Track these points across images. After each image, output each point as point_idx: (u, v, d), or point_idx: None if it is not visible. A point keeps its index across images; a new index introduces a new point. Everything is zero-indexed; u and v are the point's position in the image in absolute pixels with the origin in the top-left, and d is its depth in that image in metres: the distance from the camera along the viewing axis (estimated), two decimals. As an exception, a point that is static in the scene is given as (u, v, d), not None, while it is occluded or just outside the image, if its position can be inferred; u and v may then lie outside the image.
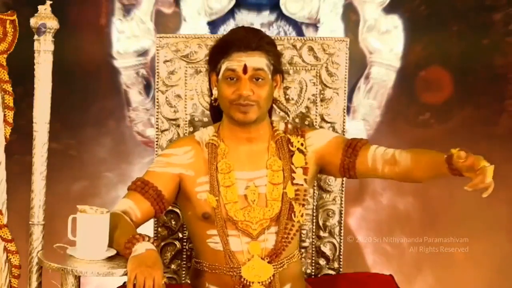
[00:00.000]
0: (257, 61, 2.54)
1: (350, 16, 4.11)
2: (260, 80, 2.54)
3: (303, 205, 2.62)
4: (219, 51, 2.58)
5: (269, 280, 2.57)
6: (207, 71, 2.70)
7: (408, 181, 2.62)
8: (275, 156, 2.63)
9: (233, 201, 2.57)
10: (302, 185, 2.62)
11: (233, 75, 2.54)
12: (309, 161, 2.66)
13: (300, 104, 2.98)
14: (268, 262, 2.57)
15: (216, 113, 2.69)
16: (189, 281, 2.79)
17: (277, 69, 2.61)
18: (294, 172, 2.62)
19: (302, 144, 2.65)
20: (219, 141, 2.62)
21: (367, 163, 2.63)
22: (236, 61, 2.53)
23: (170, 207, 2.81)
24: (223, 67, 2.56)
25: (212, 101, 2.65)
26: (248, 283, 2.55)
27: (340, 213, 3.00)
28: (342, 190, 2.99)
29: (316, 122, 2.97)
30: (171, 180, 2.59)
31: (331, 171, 2.71)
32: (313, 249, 3.01)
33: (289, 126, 2.70)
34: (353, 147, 2.64)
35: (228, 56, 2.54)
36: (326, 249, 3.01)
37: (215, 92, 2.61)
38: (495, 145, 4.14)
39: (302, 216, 2.62)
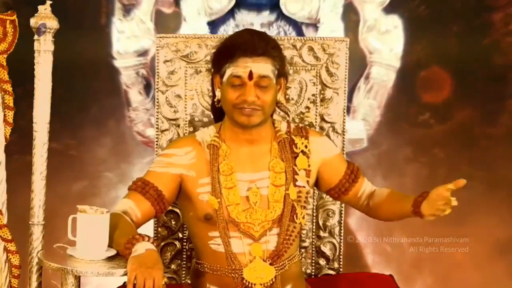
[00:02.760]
0: (263, 67, 2.52)
1: (350, 16, 4.11)
2: (265, 86, 2.53)
3: (304, 207, 2.62)
4: (224, 55, 2.55)
5: (271, 282, 2.57)
6: (210, 71, 2.69)
7: (374, 218, 2.75)
8: (278, 157, 2.62)
9: (235, 202, 2.56)
10: (304, 187, 2.62)
11: (238, 81, 2.52)
12: (312, 165, 2.65)
13: (300, 104, 2.98)
14: (270, 264, 2.57)
15: (218, 113, 2.68)
16: (189, 281, 2.79)
17: (281, 73, 2.60)
18: (297, 174, 2.62)
19: (306, 146, 2.65)
20: (221, 142, 2.62)
21: (358, 193, 2.70)
22: (242, 67, 2.51)
23: (170, 207, 2.80)
24: (228, 72, 2.53)
25: (215, 102, 2.63)
26: (250, 285, 2.55)
27: (340, 213, 3.00)
28: (342, 190, 2.99)
29: (316, 122, 2.97)
30: (172, 181, 2.59)
31: (321, 185, 2.73)
32: (313, 249, 3.01)
33: (292, 125, 2.69)
34: (355, 173, 2.69)
35: (233, 61, 2.52)
36: (326, 249, 3.01)
37: (218, 93, 2.60)
38: (495, 145, 4.14)
39: (303, 218, 2.62)
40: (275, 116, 2.84)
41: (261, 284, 2.55)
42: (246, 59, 2.51)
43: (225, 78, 2.55)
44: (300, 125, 2.73)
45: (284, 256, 2.59)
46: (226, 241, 2.56)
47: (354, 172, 2.69)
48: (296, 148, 2.64)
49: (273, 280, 2.56)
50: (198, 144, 2.63)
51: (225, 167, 2.59)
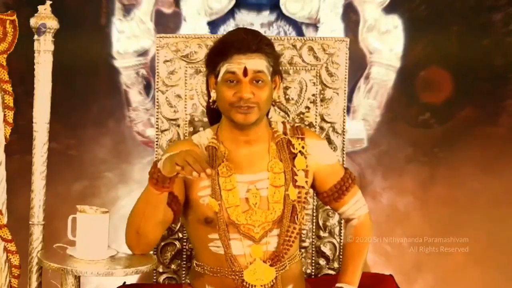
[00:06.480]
0: (257, 63, 2.52)
1: (350, 16, 4.11)
2: (260, 82, 2.53)
3: (304, 207, 2.62)
4: (218, 54, 2.55)
5: (271, 283, 2.56)
6: (205, 73, 2.68)
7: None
8: (276, 158, 2.62)
9: (235, 204, 2.56)
10: (303, 187, 2.62)
11: (233, 77, 2.52)
12: (309, 166, 2.65)
13: (300, 104, 2.98)
14: (270, 265, 2.56)
15: (214, 115, 2.68)
16: (189, 281, 2.79)
17: (276, 71, 2.60)
18: (296, 175, 2.61)
19: (303, 147, 2.65)
20: (219, 143, 2.61)
21: (338, 210, 2.74)
22: (236, 64, 2.51)
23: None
24: (223, 69, 2.54)
25: (210, 104, 2.63)
26: (250, 287, 2.55)
27: (340, 213, 3.00)
28: (342, 190, 2.98)
29: (316, 122, 2.97)
30: (179, 183, 2.55)
31: (313, 187, 2.73)
32: (313, 249, 3.01)
33: (288, 126, 2.69)
34: (339, 192, 2.69)
35: (227, 59, 2.52)
36: (326, 249, 3.01)
37: (213, 94, 2.60)
38: (495, 145, 4.14)
39: (303, 218, 2.62)
40: (274, 117, 2.84)
41: (261, 286, 2.55)
42: (240, 56, 2.51)
43: (219, 77, 2.55)
44: (296, 124, 2.73)
45: (285, 257, 2.58)
46: (226, 243, 2.55)
47: (339, 191, 2.69)
48: (294, 148, 2.64)
49: (274, 281, 2.56)
50: (196, 147, 2.62)
51: (224, 169, 2.58)
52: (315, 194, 2.82)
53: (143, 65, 4.08)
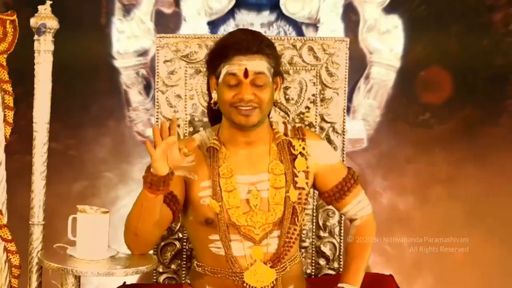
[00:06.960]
0: (258, 64, 2.51)
1: (350, 16, 4.11)
2: (261, 83, 2.52)
3: (305, 208, 2.62)
4: (219, 55, 2.54)
5: (272, 285, 2.56)
6: (206, 74, 2.68)
7: None
8: (277, 159, 2.61)
9: (236, 206, 2.55)
10: (304, 189, 2.61)
11: (234, 80, 2.52)
12: (310, 167, 2.64)
13: (300, 104, 2.98)
14: (271, 267, 2.56)
15: (215, 115, 2.67)
16: (189, 281, 2.79)
17: (277, 72, 2.59)
18: (297, 176, 2.61)
19: (303, 148, 2.64)
20: (220, 144, 2.61)
21: (340, 210, 2.73)
22: (237, 65, 2.50)
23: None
24: (223, 71, 2.53)
25: (212, 105, 2.62)
26: (250, 288, 2.55)
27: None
28: (342, 190, 2.98)
29: (316, 122, 2.97)
30: (179, 182, 2.56)
31: (315, 187, 2.72)
32: (313, 249, 3.01)
33: (289, 127, 2.68)
34: (340, 193, 2.68)
35: (228, 60, 2.51)
36: (326, 249, 3.01)
37: (214, 95, 2.59)
38: (495, 145, 4.14)
39: (303, 219, 2.62)
40: (274, 117, 2.84)
41: (262, 287, 2.55)
42: (241, 57, 2.50)
43: (220, 78, 2.54)
44: (297, 125, 2.72)
45: (285, 259, 2.58)
46: (226, 244, 2.55)
47: (340, 191, 2.67)
48: (294, 150, 2.63)
49: (274, 282, 2.56)
50: (197, 147, 2.61)
51: (225, 170, 2.58)
52: (317, 194, 2.82)
53: (143, 65, 4.08)
